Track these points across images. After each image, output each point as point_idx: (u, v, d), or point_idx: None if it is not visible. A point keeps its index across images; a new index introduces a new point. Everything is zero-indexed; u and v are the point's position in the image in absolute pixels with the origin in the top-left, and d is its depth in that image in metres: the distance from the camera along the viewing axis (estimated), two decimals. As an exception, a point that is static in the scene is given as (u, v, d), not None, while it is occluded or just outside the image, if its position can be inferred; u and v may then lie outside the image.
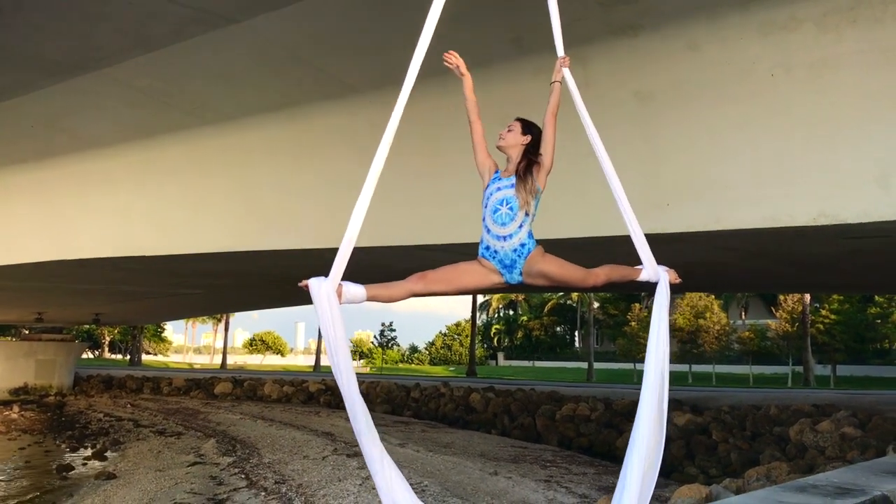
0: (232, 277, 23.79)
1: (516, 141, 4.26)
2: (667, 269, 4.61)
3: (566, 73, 4.53)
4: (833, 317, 50.62)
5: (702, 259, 13.23)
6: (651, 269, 4.54)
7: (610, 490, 13.14)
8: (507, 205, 4.07)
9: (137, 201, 16.20)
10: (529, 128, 4.31)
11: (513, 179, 4.14)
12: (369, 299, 4.00)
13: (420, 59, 4.08)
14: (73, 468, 20.87)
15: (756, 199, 8.70)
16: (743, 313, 65.82)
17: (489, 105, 9.89)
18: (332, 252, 12.54)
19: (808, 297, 46.06)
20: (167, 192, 15.53)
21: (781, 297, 51.56)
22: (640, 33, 9.07)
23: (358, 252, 4.01)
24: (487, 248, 4.13)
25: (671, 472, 18.93)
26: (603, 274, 4.42)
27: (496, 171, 4.28)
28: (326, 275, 3.89)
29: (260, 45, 10.65)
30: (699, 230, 9.28)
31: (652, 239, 10.00)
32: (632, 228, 4.53)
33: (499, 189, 4.13)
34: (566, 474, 15.66)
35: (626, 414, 24.50)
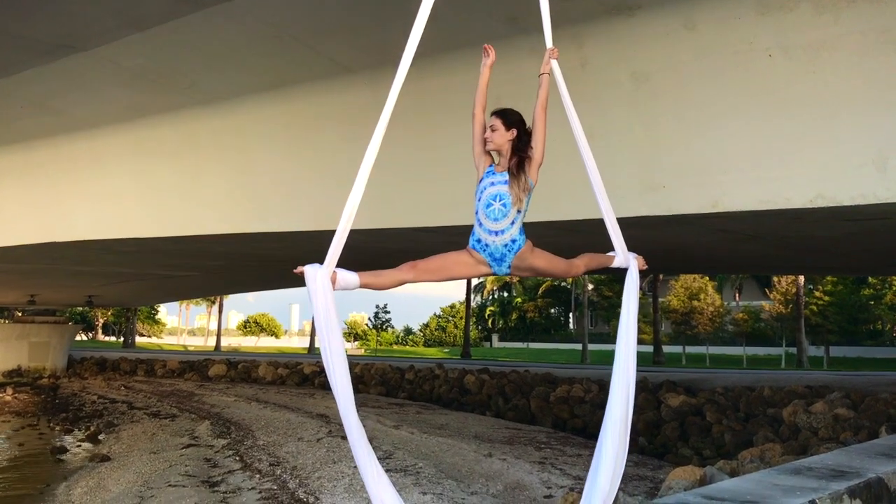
0: (226, 259, 23.73)
1: (503, 139, 4.29)
2: (636, 255, 4.71)
3: (554, 64, 4.49)
4: (827, 298, 50.89)
5: (697, 242, 13.21)
6: (622, 256, 4.72)
7: (604, 472, 13.19)
8: (499, 200, 4.10)
9: (130, 182, 16.10)
10: (510, 121, 4.30)
11: (506, 175, 4.14)
12: (362, 286, 4.03)
13: (417, 39, 4.04)
14: (67, 450, 20.87)
15: (753, 182, 8.67)
16: (737, 295, 66.05)
17: (493, 80, 9.84)
18: (328, 234, 12.47)
19: (801, 278, 46.19)
20: (160, 173, 15.43)
21: (776, 279, 51.71)
22: (636, 13, 8.99)
23: (355, 234, 3.98)
24: (479, 240, 4.17)
25: (665, 453, 19.01)
26: (582, 264, 4.58)
27: (490, 165, 4.28)
28: (322, 257, 3.87)
29: (252, 24, 10.53)
30: (696, 213, 9.25)
31: (648, 221, 10.04)
32: (606, 216, 4.64)
33: (492, 184, 4.16)
34: (560, 456, 15.69)
35: (620, 395, 24.57)
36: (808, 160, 8.26)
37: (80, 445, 21.78)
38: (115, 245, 18.89)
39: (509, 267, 4.21)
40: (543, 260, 4.35)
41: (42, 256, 22.31)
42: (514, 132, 4.32)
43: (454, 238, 4.40)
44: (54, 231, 18.13)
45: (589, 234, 9.83)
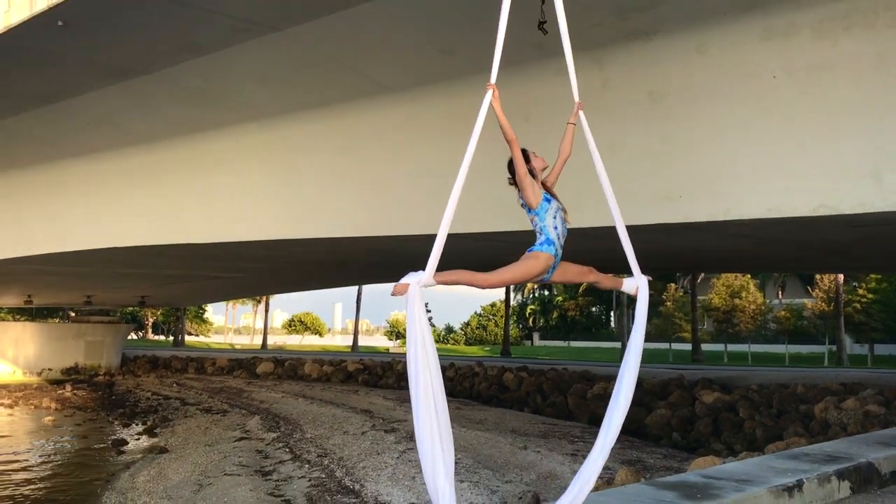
0: (274, 262, 24.76)
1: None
2: (645, 276, 5.29)
3: (581, 116, 5.16)
4: (870, 296, 50.41)
5: (720, 245, 13.87)
6: (633, 282, 5.23)
7: (633, 463, 13.93)
8: (563, 220, 4.81)
9: (185, 192, 17.16)
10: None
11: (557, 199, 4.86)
12: (466, 284, 4.58)
13: (498, 59, 4.74)
14: (126, 443, 22.11)
15: (761, 192, 9.35)
16: (780, 292, 65.59)
17: (522, 102, 10.64)
18: (369, 239, 13.49)
19: (841, 277, 46.01)
20: (213, 183, 16.45)
21: (818, 277, 51.41)
22: (653, 38, 9.73)
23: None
24: (556, 253, 4.75)
25: (697, 448, 19.52)
26: (598, 277, 5.15)
27: (544, 192, 4.90)
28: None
29: (300, 50, 11.45)
30: (709, 220, 9.95)
31: (667, 228, 10.74)
32: (625, 244, 5.16)
33: (559, 208, 4.82)
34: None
35: (656, 392, 25.14)
36: (810, 172, 8.93)
37: (138, 438, 23.00)
38: (168, 250, 20.02)
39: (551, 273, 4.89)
40: (572, 266, 4.98)
41: (100, 260, 23.53)
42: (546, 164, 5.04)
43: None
44: (113, 237, 19.28)
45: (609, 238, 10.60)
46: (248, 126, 14.96)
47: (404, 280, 4.33)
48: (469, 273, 4.59)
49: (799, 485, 6.43)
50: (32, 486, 16.57)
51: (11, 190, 20.58)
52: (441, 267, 4.45)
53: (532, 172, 4.86)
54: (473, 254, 13.70)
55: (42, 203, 20.21)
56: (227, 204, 16.51)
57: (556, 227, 4.71)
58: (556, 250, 4.68)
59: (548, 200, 4.79)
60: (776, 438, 18.09)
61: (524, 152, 4.89)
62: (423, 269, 4.41)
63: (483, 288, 4.71)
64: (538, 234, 4.75)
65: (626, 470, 11.53)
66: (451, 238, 4.48)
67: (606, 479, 11.14)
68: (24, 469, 18.46)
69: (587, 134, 5.08)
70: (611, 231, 5.32)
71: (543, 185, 4.93)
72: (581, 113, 5.20)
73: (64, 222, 20.26)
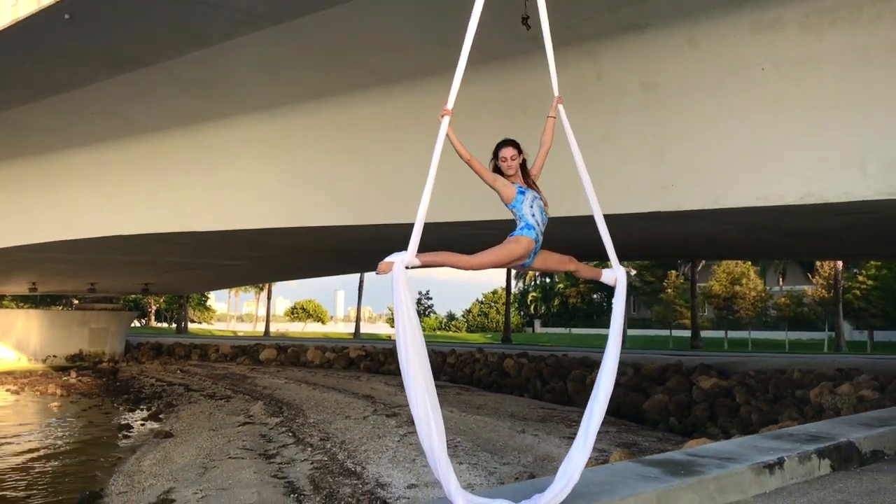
0: (275, 249, 25.05)
1: (518, 162, 5.08)
2: (624, 267, 5.54)
3: (561, 109, 5.36)
4: (870, 282, 50.64)
5: (713, 232, 14.14)
6: (611, 273, 5.42)
7: (628, 446, 14.25)
8: (542, 209, 5.02)
9: (189, 181, 17.45)
10: (520, 149, 5.14)
11: (532, 191, 5.06)
12: (451, 266, 4.84)
13: (466, 55, 4.94)
14: (132, 428, 22.49)
15: (750, 181, 9.63)
16: (781, 279, 65.84)
17: (518, 94, 10.89)
18: (369, 228, 13.81)
19: (839, 264, 46.28)
20: (217, 173, 16.74)
21: (819, 264, 51.65)
22: (645, 30, 9.98)
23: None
24: (536, 238, 4.98)
25: (693, 432, 19.83)
26: (577, 266, 5.39)
27: (518, 184, 5.07)
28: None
29: (302, 43, 11.72)
30: (701, 208, 10.22)
31: (660, 216, 11.01)
32: (604, 236, 5.37)
33: (535, 197, 5.01)
34: (589, 433, 16.69)
35: (654, 378, 25.46)
36: (797, 162, 9.20)
37: (143, 424, 23.35)
38: (173, 238, 20.33)
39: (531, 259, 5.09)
40: (553, 255, 5.19)
41: (105, 248, 23.85)
42: (522, 156, 5.18)
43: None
44: (119, 225, 19.60)
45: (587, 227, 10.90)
46: (251, 117, 15.23)
47: (388, 259, 4.56)
48: (452, 254, 4.84)
49: (780, 462, 6.72)
50: (42, 470, 16.93)
51: (18, 178, 20.88)
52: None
53: (500, 170, 5.05)
54: (461, 242, 13.98)
55: (48, 192, 20.52)
56: (230, 193, 16.80)
57: (534, 215, 4.92)
58: (537, 235, 4.90)
59: (522, 192, 4.98)
60: (771, 422, 18.38)
61: (496, 148, 5.11)
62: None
63: (465, 269, 4.92)
64: (518, 221, 4.97)
65: (620, 451, 11.85)
66: (440, 226, 4.76)
67: (601, 461, 11.44)
68: (32, 452, 18.83)
69: (566, 126, 5.25)
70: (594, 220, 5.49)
71: (525, 175, 5.11)
72: (560, 106, 5.38)
73: (69, 211, 20.57)
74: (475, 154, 5.01)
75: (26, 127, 17.62)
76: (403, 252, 4.59)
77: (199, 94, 14.48)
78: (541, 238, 4.96)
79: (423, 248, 4.70)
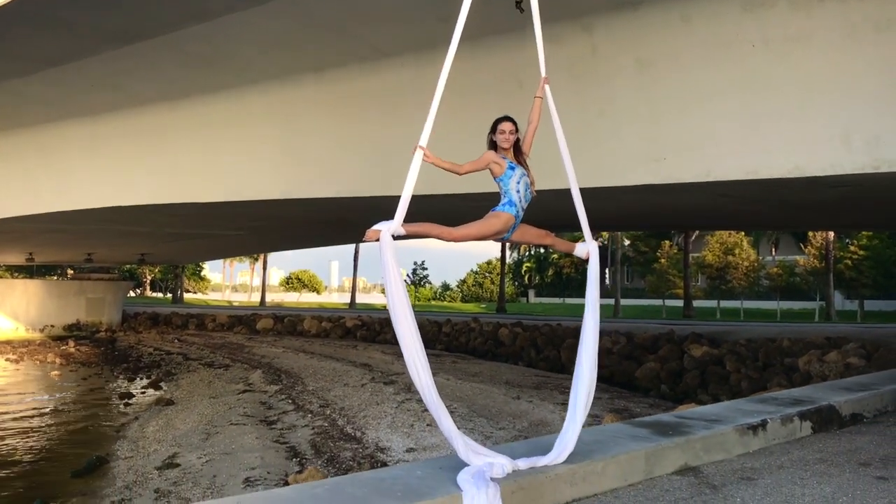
0: (275, 221, 25.29)
1: (514, 138, 5.38)
2: (595, 240, 5.84)
3: (547, 89, 5.62)
4: (862, 252, 51.10)
5: (705, 204, 14.44)
6: (584, 247, 5.75)
7: (620, 411, 14.65)
8: (528, 186, 5.30)
9: (188, 152, 17.65)
10: (517, 126, 5.44)
11: (521, 168, 5.34)
12: (434, 237, 5.11)
13: (460, 31, 5.20)
14: (133, 395, 22.83)
15: (740, 155, 9.92)
16: (773, 249, 66.30)
17: (514, 67, 11.08)
18: (366, 199, 14.11)
19: (831, 234, 46.71)
20: (216, 144, 16.94)
21: (811, 234, 52.07)
22: (639, 7, 10.20)
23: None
24: (517, 214, 5.29)
25: (684, 399, 20.27)
26: (553, 241, 5.72)
27: (508, 160, 5.35)
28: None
29: (301, 17, 11.89)
30: (692, 181, 10.51)
31: (653, 188, 11.30)
32: (579, 210, 5.66)
33: (523, 174, 5.30)
34: (583, 399, 17.09)
35: (646, 347, 25.91)
36: (785, 137, 9.49)
37: (143, 392, 23.73)
38: (173, 209, 20.55)
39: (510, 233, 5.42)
40: (531, 229, 5.51)
41: (103, 219, 24.05)
42: (517, 135, 5.47)
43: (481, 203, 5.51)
44: (118, 196, 19.80)
45: (594, 199, 11.13)
46: (251, 89, 15.40)
47: (376, 227, 4.84)
48: (436, 226, 5.13)
49: (763, 424, 7.08)
50: (47, 436, 17.30)
51: (18, 150, 21.02)
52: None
53: (495, 145, 5.33)
54: (452, 212, 14.25)
55: (48, 162, 20.68)
56: (229, 164, 17.02)
57: (518, 191, 5.21)
58: (518, 212, 5.20)
59: (512, 168, 5.27)
60: (761, 389, 18.79)
61: (495, 122, 5.37)
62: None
63: (447, 241, 5.24)
64: (502, 196, 5.27)
65: (612, 416, 12.23)
66: (430, 198, 5.05)
67: (594, 426, 11.80)
68: (37, 420, 19.20)
69: (551, 105, 5.53)
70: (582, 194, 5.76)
71: (516, 152, 5.38)
72: (546, 86, 5.66)
73: (69, 181, 20.74)
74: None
75: (26, 98, 17.75)
76: (390, 221, 4.85)
77: (198, 66, 14.63)
78: (521, 214, 5.26)
79: (416, 219, 4.99)
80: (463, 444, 4.88)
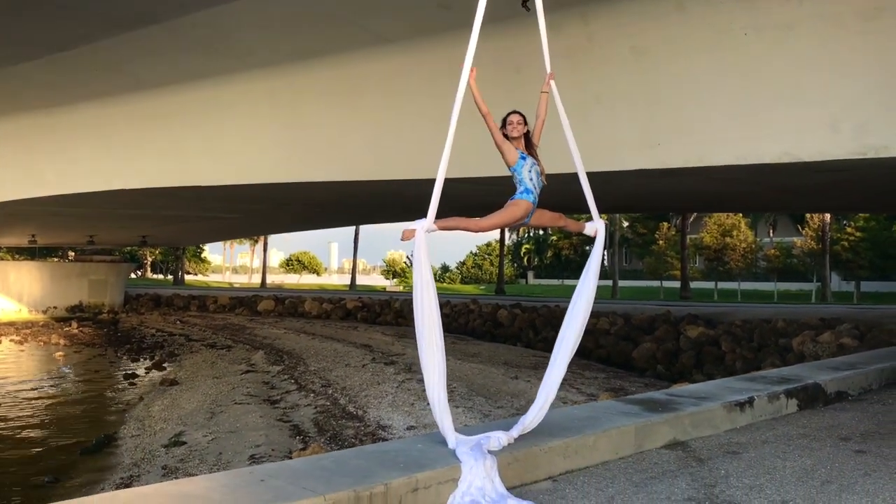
0: (277, 203, 25.53)
1: (523, 129, 5.64)
2: (602, 221, 6.15)
3: (552, 85, 5.88)
4: (858, 234, 51.35)
5: (701, 187, 14.72)
6: (592, 225, 6.05)
7: (615, 391, 14.99)
8: (540, 175, 5.57)
9: (192, 136, 17.88)
10: (526, 120, 5.71)
11: (531, 158, 5.61)
12: (460, 229, 5.40)
13: (480, 19, 5.51)
14: (137, 376, 23.19)
15: (731, 140, 10.19)
16: (771, 231, 66.56)
17: (513, 55, 11.29)
18: (371, 183, 14.35)
19: (828, 216, 46.97)
20: (220, 128, 17.16)
21: (808, 216, 52.32)
22: (635, -5, 10.44)
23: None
24: (534, 201, 5.58)
25: (679, 379, 20.59)
26: (564, 222, 6.02)
27: (521, 151, 5.61)
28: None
29: (305, 3, 12.10)
30: (685, 166, 10.79)
31: (648, 173, 11.57)
32: (587, 192, 5.96)
33: (534, 164, 5.56)
34: (579, 378, 17.48)
35: (643, 328, 26.24)
36: (775, 123, 9.75)
37: (147, 372, 24.06)
38: (176, 192, 20.81)
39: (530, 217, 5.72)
40: (546, 213, 5.79)
41: (107, 201, 24.31)
42: (526, 127, 5.73)
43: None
44: (122, 179, 20.05)
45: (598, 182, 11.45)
46: (254, 74, 15.61)
47: (411, 226, 5.15)
48: (463, 219, 5.44)
49: (750, 401, 7.40)
50: (55, 415, 17.63)
51: (22, 133, 21.23)
52: (439, 210, 5.27)
53: (507, 135, 5.63)
54: (471, 197, 14.53)
55: (52, 146, 20.90)
56: (232, 148, 17.26)
57: (531, 179, 5.49)
58: (534, 198, 5.49)
59: (523, 158, 5.54)
60: (754, 369, 19.05)
61: (506, 115, 5.66)
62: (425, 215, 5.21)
63: (474, 231, 5.56)
64: (518, 185, 5.56)
65: (608, 394, 12.56)
66: (450, 182, 5.31)
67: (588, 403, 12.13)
68: (44, 399, 19.55)
69: (556, 98, 5.81)
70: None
71: (527, 142, 5.66)
72: (552, 82, 5.93)
73: (73, 165, 20.97)
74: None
75: (31, 82, 17.94)
76: (423, 219, 5.15)
77: (202, 51, 14.83)
78: (537, 200, 5.55)
79: (424, 201, 5.27)
80: (455, 440, 5.17)
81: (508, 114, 5.65)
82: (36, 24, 13.84)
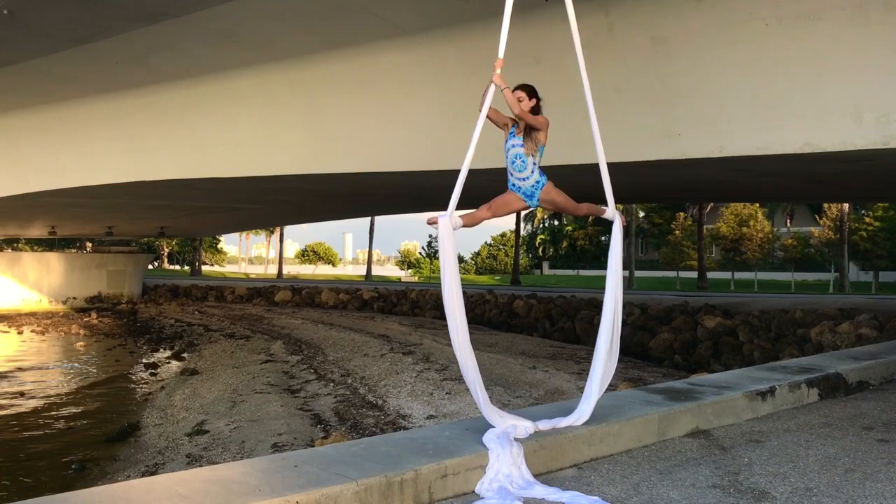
0: (291, 194, 25.65)
1: (527, 107, 5.59)
2: (621, 214, 6.19)
3: (583, 74, 5.96)
4: (877, 224, 51.03)
5: (719, 178, 14.70)
6: (611, 210, 6.11)
7: (634, 381, 15.02)
8: (519, 159, 5.58)
9: (211, 128, 18.00)
10: (532, 93, 5.69)
11: (521, 138, 5.60)
12: (463, 226, 5.49)
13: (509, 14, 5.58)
14: (158, 366, 23.41)
15: (752, 131, 10.18)
16: (788, 221, 66.24)
17: (532, 46, 11.31)
18: (387, 175, 14.46)
19: (846, 206, 46.69)
20: (238, 120, 17.27)
21: (826, 205, 52.00)
22: (654, -15, 10.43)
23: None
24: (513, 185, 5.66)
25: (696, 368, 20.60)
26: (585, 207, 6.09)
27: (513, 127, 5.66)
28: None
29: (323, -5, 12.17)
30: (705, 157, 10.79)
31: (668, 164, 11.58)
32: (605, 178, 6.01)
33: (513, 146, 5.59)
34: (598, 369, 17.46)
35: (660, 318, 26.26)
36: (797, 113, 9.74)
37: (168, 362, 24.28)
38: (195, 184, 20.97)
39: (538, 200, 5.69)
40: (561, 196, 5.77)
41: (127, 193, 24.51)
42: (532, 101, 5.66)
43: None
44: (141, 171, 20.21)
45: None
46: (272, 66, 15.69)
47: (437, 215, 5.26)
48: (476, 211, 5.62)
49: (771, 390, 7.44)
50: (79, 404, 17.87)
51: (43, 126, 21.42)
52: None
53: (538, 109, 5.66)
54: (486, 189, 14.60)
55: (72, 138, 21.09)
56: (251, 140, 17.37)
57: (506, 157, 5.67)
58: (511, 184, 5.68)
59: (511, 135, 5.64)
60: (772, 360, 19.05)
61: (537, 102, 5.67)
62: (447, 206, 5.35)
63: (488, 218, 5.66)
64: (536, 170, 5.60)
65: (626, 384, 12.61)
66: (470, 173, 5.39)
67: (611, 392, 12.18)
68: (67, 388, 19.80)
69: (584, 82, 5.83)
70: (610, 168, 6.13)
71: (528, 127, 5.61)
72: (581, 59, 5.93)
73: (93, 157, 21.16)
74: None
75: (52, 76, 18.10)
76: (445, 213, 5.26)
77: (221, 44, 14.92)
78: (518, 184, 5.59)
79: (438, 192, 5.38)
80: (495, 413, 5.33)
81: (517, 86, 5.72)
82: (58, 18, 13.97)
